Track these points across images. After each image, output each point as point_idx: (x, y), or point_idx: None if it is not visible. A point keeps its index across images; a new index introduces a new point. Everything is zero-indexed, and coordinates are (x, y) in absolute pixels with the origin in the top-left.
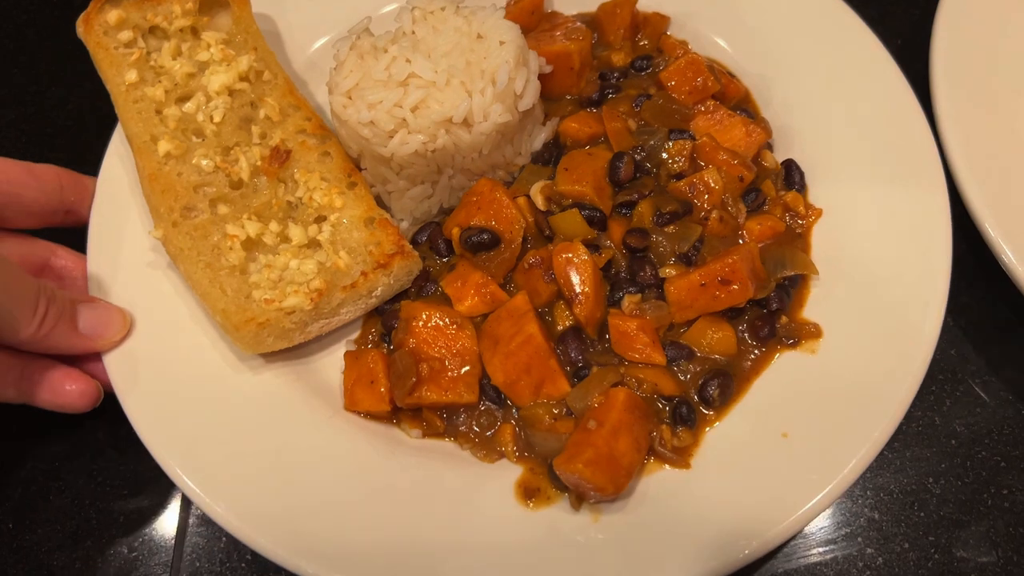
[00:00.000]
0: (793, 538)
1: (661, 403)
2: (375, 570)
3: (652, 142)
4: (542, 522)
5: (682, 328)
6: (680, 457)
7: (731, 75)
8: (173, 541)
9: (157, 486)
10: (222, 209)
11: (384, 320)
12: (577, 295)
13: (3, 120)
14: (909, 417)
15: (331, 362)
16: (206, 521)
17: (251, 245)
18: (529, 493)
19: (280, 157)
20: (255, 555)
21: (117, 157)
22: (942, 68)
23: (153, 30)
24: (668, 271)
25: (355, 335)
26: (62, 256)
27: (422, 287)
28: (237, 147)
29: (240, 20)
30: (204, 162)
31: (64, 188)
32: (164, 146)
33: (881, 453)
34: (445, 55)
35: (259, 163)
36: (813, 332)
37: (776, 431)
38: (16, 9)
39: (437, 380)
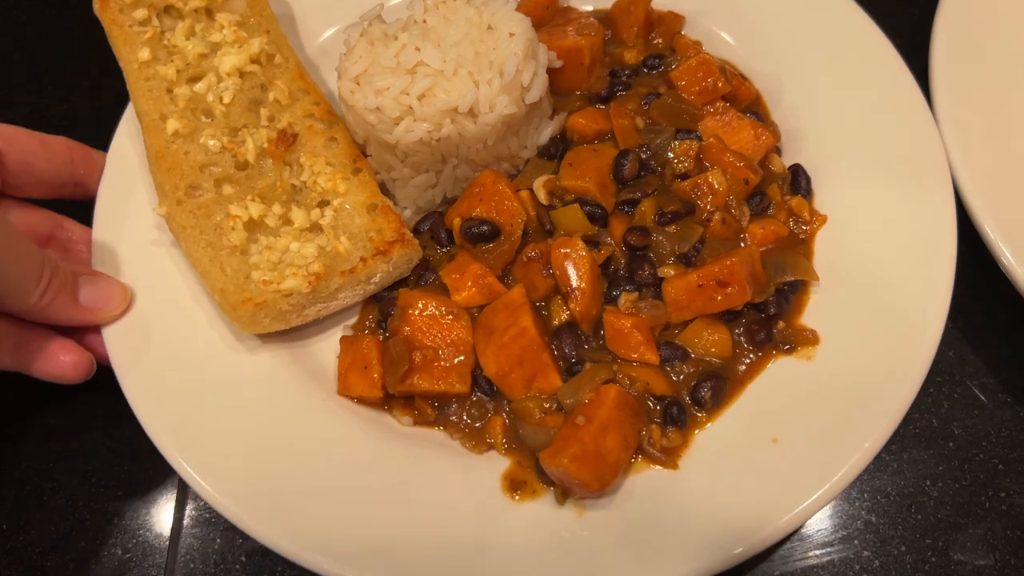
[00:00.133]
0: (788, 540)
1: (652, 402)
2: (353, 553)
3: (658, 141)
4: (526, 515)
5: (678, 328)
6: (668, 457)
7: (743, 77)
8: (167, 542)
9: (151, 487)
10: (227, 189)
11: (381, 307)
12: (573, 290)
13: (2, 120)
14: (907, 419)
15: (327, 346)
16: (200, 522)
17: (253, 226)
18: (515, 486)
19: (287, 140)
20: (249, 556)
21: (128, 134)
22: (941, 69)
23: (168, 9)
24: (667, 271)
25: (353, 320)
26: (68, 228)
27: (421, 276)
28: (245, 129)
29: (254, 3)
30: (211, 142)
31: (75, 161)
32: (173, 125)
33: (878, 455)
34: (454, 44)
35: (266, 145)
36: (810, 339)
37: (767, 436)
38: (15, 9)
39: (430, 369)
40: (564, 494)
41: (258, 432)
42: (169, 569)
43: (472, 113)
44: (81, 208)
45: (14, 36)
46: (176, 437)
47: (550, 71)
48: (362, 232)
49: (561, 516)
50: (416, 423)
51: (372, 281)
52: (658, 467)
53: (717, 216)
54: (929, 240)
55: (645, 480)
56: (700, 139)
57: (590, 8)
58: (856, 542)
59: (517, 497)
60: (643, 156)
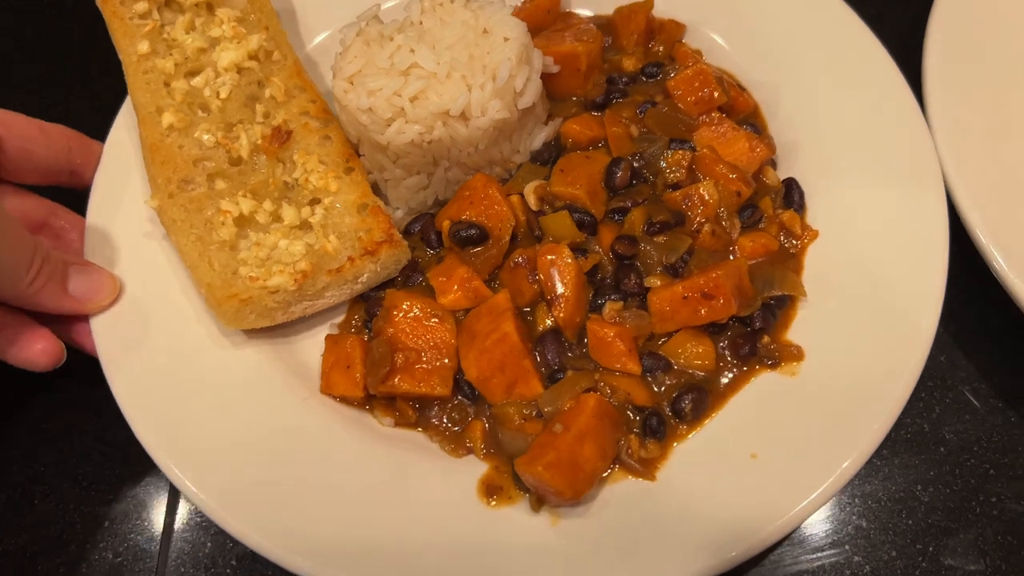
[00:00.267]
0: (779, 544)
1: (632, 413)
2: (327, 552)
3: (652, 150)
4: (500, 521)
5: (662, 339)
6: (646, 469)
7: (741, 88)
8: (158, 546)
9: (142, 491)
10: (219, 184)
11: (367, 307)
12: (557, 297)
13: None
14: (898, 424)
15: (313, 343)
16: (191, 526)
17: (243, 222)
18: (491, 491)
19: (281, 137)
20: (240, 560)
21: (126, 126)
22: (935, 72)
23: (169, 3)
24: (653, 281)
25: (340, 319)
26: (61, 216)
27: (409, 277)
28: (240, 124)
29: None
30: (206, 137)
31: (73, 150)
32: (168, 118)
33: (869, 460)
34: (449, 47)
35: (260, 142)
36: (795, 354)
37: (746, 451)
38: (15, 9)
39: (411, 371)
40: (539, 501)
41: (239, 427)
42: (160, 572)
43: (464, 117)
44: (76, 197)
45: (14, 36)
46: (157, 429)
47: (547, 76)
48: (351, 231)
49: (535, 523)
50: (397, 424)
51: (359, 281)
52: (635, 478)
53: (707, 228)
54: (921, 260)
55: (622, 490)
56: (694, 149)
57: (592, 14)
58: (847, 547)
59: (493, 502)
60: (636, 165)
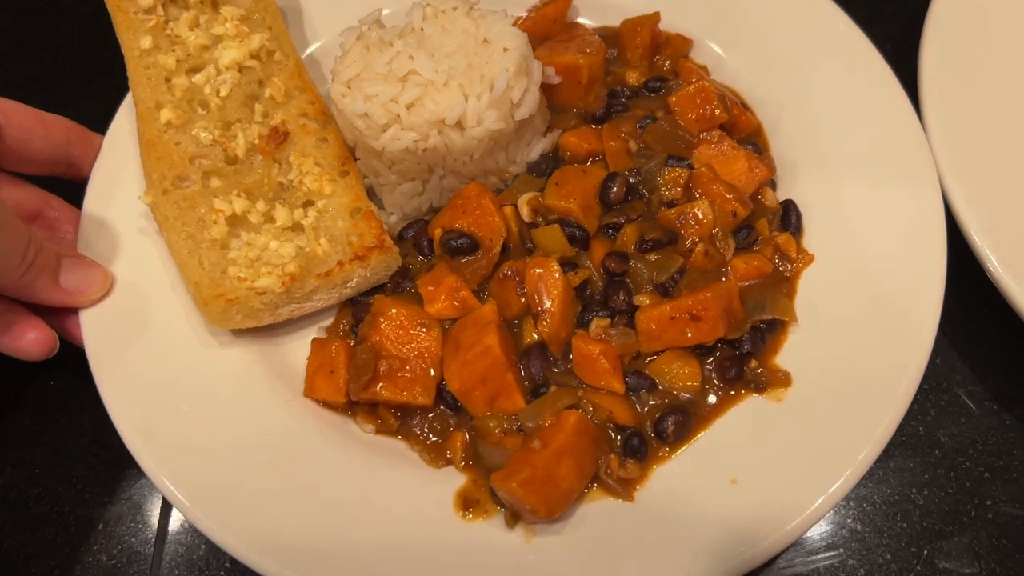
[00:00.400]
0: None
1: (614, 432)
2: (299, 556)
3: (649, 166)
4: (474, 534)
5: (649, 358)
6: (625, 489)
7: (745, 107)
8: (152, 549)
9: (137, 494)
10: (214, 183)
11: (355, 312)
12: (543, 311)
13: None
14: None
15: (300, 345)
16: (186, 529)
17: (236, 221)
18: (468, 504)
19: (278, 138)
20: (234, 563)
21: (127, 119)
22: (931, 76)
23: None
24: (642, 299)
25: (328, 322)
26: (56, 207)
27: (399, 284)
28: (238, 123)
29: None
30: (203, 134)
31: (71, 141)
32: (166, 114)
33: None
34: (448, 55)
35: (256, 141)
36: (782, 380)
37: (726, 476)
38: (11, 10)
39: (394, 378)
40: (514, 517)
41: (219, 426)
42: (153, 575)
43: (459, 125)
44: (72, 188)
45: (14, 36)
46: (139, 425)
47: (548, 87)
48: (343, 235)
49: (509, 539)
50: (378, 431)
51: (348, 285)
52: (613, 498)
53: (700, 247)
54: (917, 292)
55: (599, 509)
56: (691, 167)
57: (598, 25)
58: (841, 550)
59: (469, 516)
60: (632, 180)
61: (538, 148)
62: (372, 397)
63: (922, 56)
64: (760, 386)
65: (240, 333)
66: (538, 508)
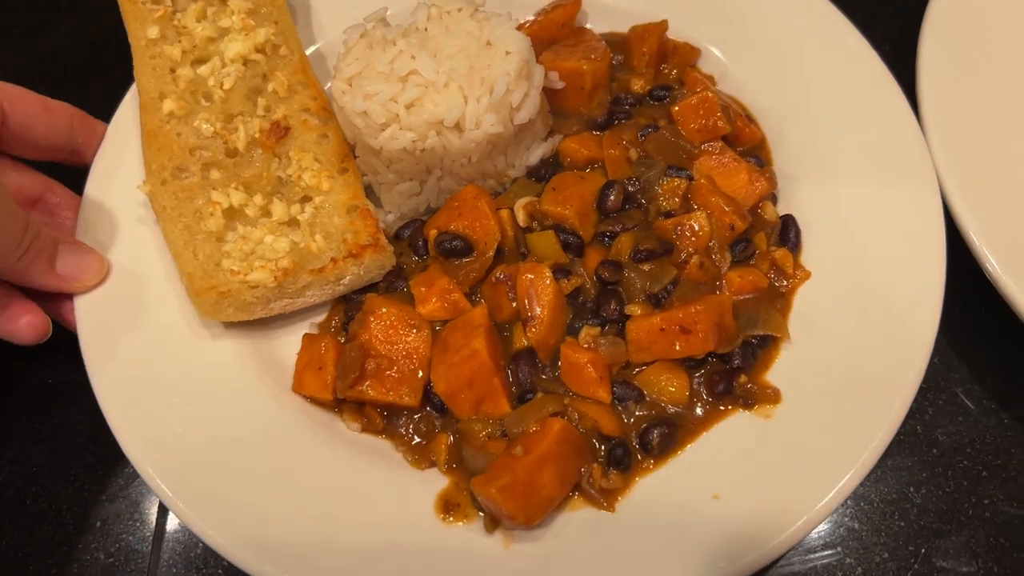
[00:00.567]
0: None
1: (598, 441)
2: (277, 551)
3: (648, 175)
4: (453, 538)
5: (637, 369)
6: (607, 499)
7: (750, 119)
8: (150, 547)
9: (135, 492)
10: (213, 175)
11: (346, 309)
12: (532, 317)
13: None
14: None
15: (292, 340)
16: (184, 528)
17: (232, 214)
18: (449, 507)
19: (278, 132)
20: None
21: (132, 107)
22: (929, 77)
23: None
24: (634, 309)
25: (321, 318)
26: (57, 193)
27: (392, 283)
28: (240, 116)
29: None
30: (205, 126)
31: (75, 128)
32: (169, 105)
33: None
34: (450, 57)
35: (257, 135)
36: (771, 397)
37: (708, 491)
38: (12, 10)
39: (381, 378)
40: (493, 522)
41: (206, 418)
42: (151, 573)
43: (458, 127)
44: (74, 174)
45: (14, 36)
46: (126, 411)
47: (552, 92)
48: (338, 232)
49: (488, 544)
50: (364, 430)
51: (342, 282)
52: (595, 507)
53: (695, 259)
54: (913, 316)
55: (579, 518)
56: (691, 178)
57: (606, 31)
58: (839, 548)
59: (450, 519)
60: (631, 189)
61: (538, 152)
62: (358, 396)
63: (920, 57)
64: (749, 402)
65: (232, 325)
66: (517, 514)
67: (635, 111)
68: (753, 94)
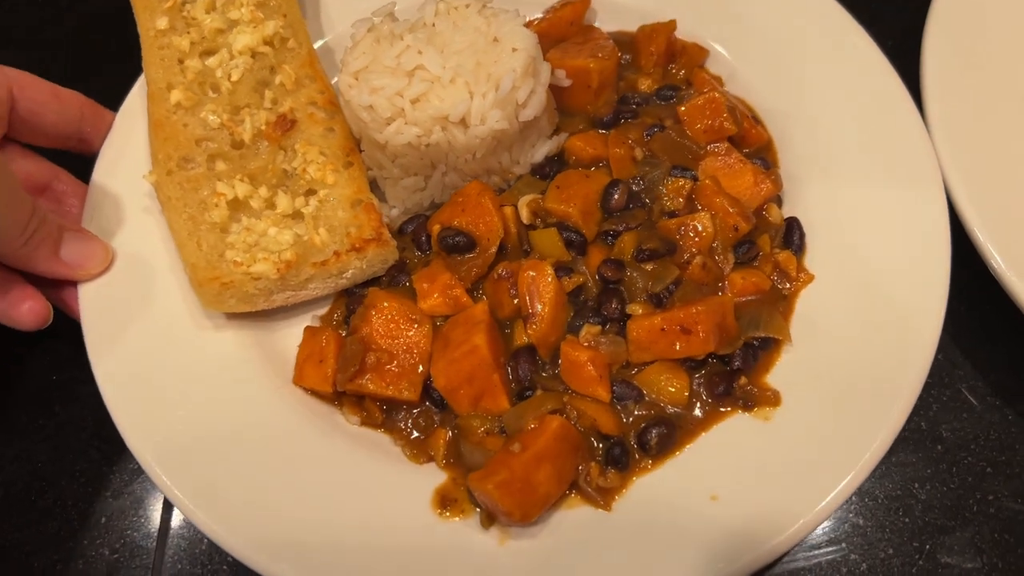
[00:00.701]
0: None
1: (596, 440)
2: (272, 543)
3: (653, 175)
4: (449, 533)
5: (637, 368)
6: (603, 498)
7: (757, 120)
8: (155, 543)
9: (139, 488)
10: (219, 166)
11: (348, 303)
12: (533, 314)
13: None
14: None
15: (294, 333)
16: (189, 523)
17: (237, 206)
18: (446, 502)
19: (284, 125)
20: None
21: (140, 99)
22: (933, 74)
23: None
24: (635, 308)
25: (323, 311)
26: (64, 181)
27: (394, 277)
28: (247, 108)
29: None
30: (211, 117)
31: (84, 117)
32: (176, 95)
33: None
34: (457, 52)
35: (263, 127)
36: (771, 399)
37: (706, 492)
38: (12, 10)
39: (381, 372)
40: (490, 518)
41: (206, 408)
42: (156, 570)
43: (463, 123)
44: (81, 162)
45: (14, 36)
46: (128, 399)
47: (558, 89)
48: (342, 226)
49: (484, 540)
50: (363, 424)
51: (344, 276)
52: (591, 506)
53: (698, 260)
54: (917, 318)
55: (575, 517)
56: (695, 179)
57: (615, 29)
58: (844, 545)
59: (446, 514)
60: (635, 188)
61: (543, 150)
62: (358, 389)
63: (924, 54)
64: (748, 404)
65: (235, 317)
66: (512, 511)
67: (641, 110)
68: (760, 95)
